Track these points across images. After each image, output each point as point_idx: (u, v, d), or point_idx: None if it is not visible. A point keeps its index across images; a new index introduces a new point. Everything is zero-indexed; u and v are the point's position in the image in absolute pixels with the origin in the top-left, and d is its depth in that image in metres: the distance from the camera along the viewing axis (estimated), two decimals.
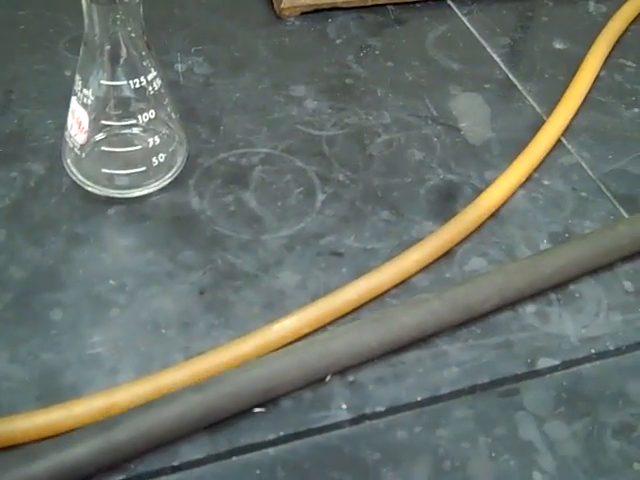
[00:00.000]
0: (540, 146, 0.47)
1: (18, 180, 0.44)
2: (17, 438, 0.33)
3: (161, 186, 0.44)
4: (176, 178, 0.44)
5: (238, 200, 0.44)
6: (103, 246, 0.41)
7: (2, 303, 0.38)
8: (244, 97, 0.50)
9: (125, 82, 0.41)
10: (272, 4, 0.57)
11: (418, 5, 0.58)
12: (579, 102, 0.50)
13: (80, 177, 0.43)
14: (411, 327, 0.37)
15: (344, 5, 0.57)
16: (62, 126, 0.45)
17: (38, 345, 0.37)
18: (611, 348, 0.38)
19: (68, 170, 0.44)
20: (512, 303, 0.39)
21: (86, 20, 0.40)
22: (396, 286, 0.40)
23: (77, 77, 0.42)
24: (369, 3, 0.57)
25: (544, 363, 0.38)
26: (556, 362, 0.38)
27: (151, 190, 0.44)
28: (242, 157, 0.46)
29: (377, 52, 0.54)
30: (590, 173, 0.47)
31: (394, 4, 0.58)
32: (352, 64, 0.53)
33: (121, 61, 0.41)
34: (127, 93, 0.42)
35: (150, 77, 0.42)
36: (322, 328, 0.38)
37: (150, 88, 0.42)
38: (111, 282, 0.40)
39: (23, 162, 0.45)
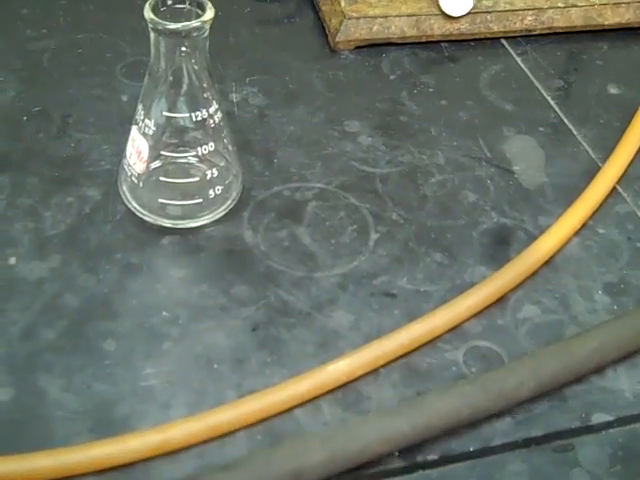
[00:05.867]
0: (595, 193, 0.47)
1: (74, 205, 0.44)
2: (69, 470, 0.33)
3: (215, 218, 0.44)
4: (230, 210, 0.44)
5: (292, 235, 0.44)
6: (157, 276, 0.41)
7: (57, 331, 0.38)
8: (298, 130, 0.50)
9: (187, 114, 0.41)
10: (326, 37, 0.57)
11: (472, 43, 0.58)
12: (635, 149, 0.50)
13: (136, 205, 0.44)
14: (444, 413, 0.35)
15: (398, 41, 0.57)
16: (118, 152, 0.45)
17: (92, 375, 0.37)
18: None
19: (124, 197, 0.44)
20: (549, 389, 0.37)
21: (152, 51, 0.40)
22: (448, 331, 0.40)
23: (139, 106, 0.42)
24: (423, 40, 0.57)
25: (599, 418, 0.37)
26: (611, 418, 0.37)
27: (205, 222, 0.44)
28: (296, 191, 0.46)
29: (431, 89, 0.54)
30: None
31: (448, 41, 0.58)
32: (406, 101, 0.53)
33: (184, 92, 0.41)
34: (188, 125, 0.42)
35: (212, 110, 0.42)
36: (375, 371, 0.38)
37: (211, 121, 0.42)
38: (164, 314, 0.40)
39: (79, 187, 0.45)
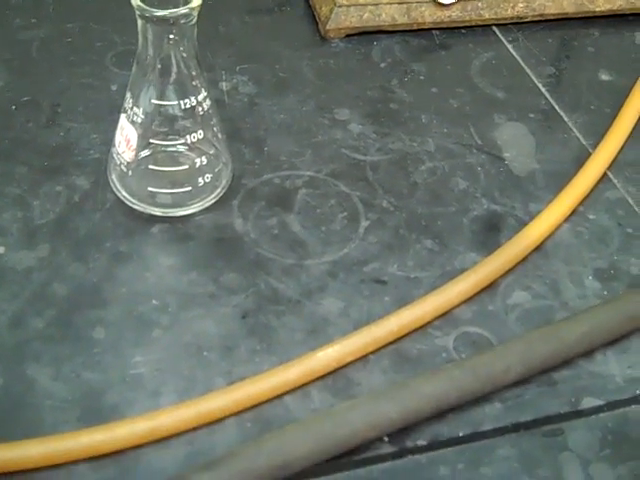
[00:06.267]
0: (586, 179, 0.47)
1: (63, 194, 0.44)
2: (59, 458, 0.33)
3: (205, 206, 0.44)
4: (220, 198, 0.44)
5: (282, 223, 0.44)
6: (146, 265, 0.41)
7: (46, 320, 0.38)
8: (288, 118, 0.50)
9: (176, 102, 0.41)
10: (317, 25, 0.57)
11: (463, 31, 0.58)
12: (625, 135, 0.50)
13: (125, 194, 0.43)
14: (432, 397, 0.35)
15: (389, 28, 0.57)
16: (107, 141, 0.45)
17: (81, 363, 0.37)
18: None
19: (113, 186, 0.44)
20: (537, 373, 0.37)
21: (140, 39, 0.40)
22: (438, 317, 0.40)
23: (128, 95, 0.42)
24: (414, 27, 0.57)
25: (588, 403, 0.37)
26: (601, 402, 0.37)
27: (195, 210, 0.44)
28: (286, 179, 0.46)
29: (421, 77, 0.54)
30: (636, 209, 0.46)
31: (439, 29, 0.58)
32: (396, 88, 0.53)
33: (172, 80, 0.41)
34: (177, 112, 0.42)
35: (200, 98, 0.42)
36: (364, 357, 0.38)
37: (200, 108, 0.42)
38: (154, 302, 0.40)
39: (68, 176, 0.45)
